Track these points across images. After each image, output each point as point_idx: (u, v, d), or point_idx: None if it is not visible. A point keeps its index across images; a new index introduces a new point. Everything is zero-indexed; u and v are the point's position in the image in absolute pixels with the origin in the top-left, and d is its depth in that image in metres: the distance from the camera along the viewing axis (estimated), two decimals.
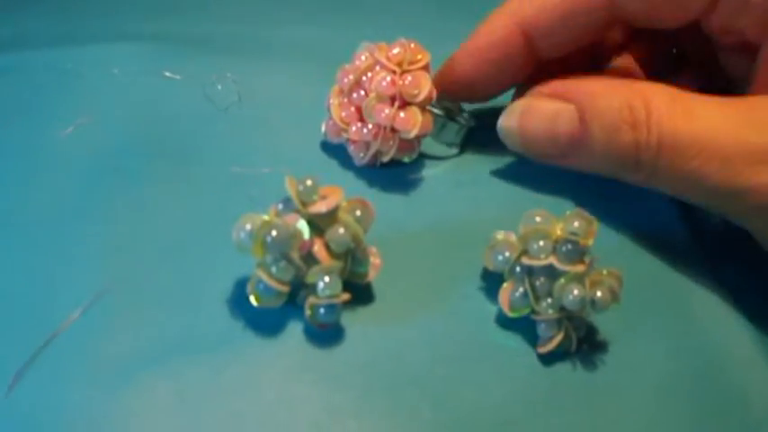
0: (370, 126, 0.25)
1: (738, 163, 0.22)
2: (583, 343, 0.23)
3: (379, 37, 0.29)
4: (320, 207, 0.21)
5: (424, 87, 0.25)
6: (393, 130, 0.25)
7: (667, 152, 0.23)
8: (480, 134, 0.28)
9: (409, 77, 0.25)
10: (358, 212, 0.22)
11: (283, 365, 0.21)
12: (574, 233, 0.22)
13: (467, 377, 0.22)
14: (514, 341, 0.23)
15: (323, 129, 0.27)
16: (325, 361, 0.22)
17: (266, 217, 0.21)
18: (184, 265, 0.23)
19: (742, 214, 0.23)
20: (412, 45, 0.25)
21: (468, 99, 0.28)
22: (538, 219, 0.22)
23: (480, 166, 0.27)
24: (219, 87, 0.28)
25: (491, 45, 0.26)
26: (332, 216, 0.21)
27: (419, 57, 0.25)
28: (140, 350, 0.21)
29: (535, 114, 0.25)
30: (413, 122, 0.24)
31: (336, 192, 0.22)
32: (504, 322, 0.23)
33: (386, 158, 0.25)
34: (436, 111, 0.27)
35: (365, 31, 0.31)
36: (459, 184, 0.26)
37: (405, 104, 0.25)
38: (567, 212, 0.22)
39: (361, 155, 0.26)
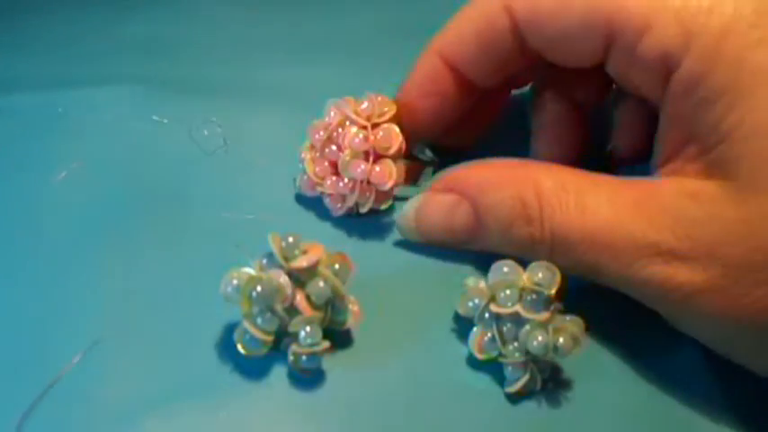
0: (345, 180, 0.26)
1: (628, 257, 0.22)
2: (548, 382, 0.24)
3: (361, 76, 0.31)
4: (302, 263, 0.23)
5: (396, 140, 0.26)
6: (369, 182, 0.26)
7: (560, 247, 0.24)
8: None
9: (381, 132, 0.26)
10: (337, 266, 0.23)
11: (269, 408, 0.23)
12: (538, 284, 0.23)
13: (441, 416, 0.23)
14: (484, 382, 0.24)
15: (297, 183, 0.28)
16: (308, 403, 0.23)
17: (252, 271, 0.23)
18: (176, 311, 0.25)
19: (642, 300, 0.24)
20: (379, 98, 0.27)
21: (435, 138, 0.30)
22: (505, 269, 0.24)
23: None
24: (206, 133, 0.29)
25: (424, 80, 0.27)
26: (313, 270, 0.23)
27: (386, 109, 0.27)
28: (137, 395, 0.23)
29: (431, 210, 0.26)
30: (388, 175, 0.26)
31: (317, 247, 0.23)
32: (474, 364, 0.24)
33: (364, 209, 0.27)
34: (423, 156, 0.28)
35: (349, 69, 0.33)
36: None
37: (378, 157, 0.26)
38: (532, 263, 0.24)
39: (338, 206, 0.27)
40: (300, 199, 0.28)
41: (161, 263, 0.26)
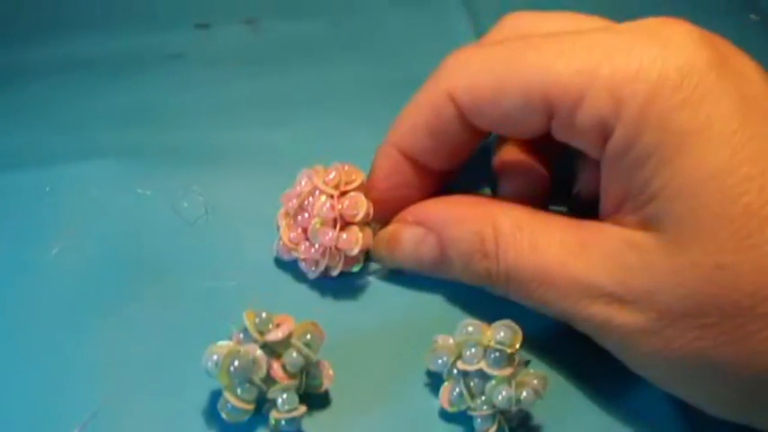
0: (317, 246, 0.28)
1: (572, 295, 0.24)
2: (517, 429, 0.26)
3: (337, 134, 0.32)
4: (275, 335, 0.24)
5: (362, 207, 0.27)
6: (338, 248, 0.28)
7: (513, 282, 0.25)
8: None
9: (347, 201, 0.27)
10: (308, 336, 0.25)
11: None
12: (501, 342, 0.25)
13: None
14: None
15: (274, 248, 0.29)
16: None
17: (230, 345, 0.24)
18: (166, 380, 0.26)
19: (589, 335, 0.25)
20: (346, 167, 0.28)
21: None
22: (470, 328, 0.25)
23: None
24: (186, 204, 0.31)
25: (383, 175, 0.29)
26: (286, 341, 0.25)
27: (354, 177, 0.28)
28: None
29: (400, 242, 0.28)
30: (354, 241, 0.27)
31: (288, 320, 0.25)
32: (446, 416, 0.26)
33: (335, 273, 0.28)
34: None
35: (326, 128, 0.34)
36: (403, 287, 0.29)
37: (346, 224, 0.28)
38: (495, 323, 0.25)
39: (313, 269, 0.29)
40: (279, 262, 0.30)
41: (150, 333, 0.27)
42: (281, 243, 0.29)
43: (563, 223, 0.26)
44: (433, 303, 0.29)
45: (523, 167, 0.30)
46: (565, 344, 0.28)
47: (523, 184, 0.30)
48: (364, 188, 0.28)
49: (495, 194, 0.31)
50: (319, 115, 0.36)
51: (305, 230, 0.28)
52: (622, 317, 0.23)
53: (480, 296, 0.28)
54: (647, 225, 0.23)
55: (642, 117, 0.22)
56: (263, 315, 0.24)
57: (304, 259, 0.29)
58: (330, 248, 0.28)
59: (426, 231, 0.28)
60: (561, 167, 0.31)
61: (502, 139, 0.31)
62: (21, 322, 0.28)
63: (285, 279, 0.29)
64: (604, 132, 0.23)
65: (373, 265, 0.30)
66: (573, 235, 0.25)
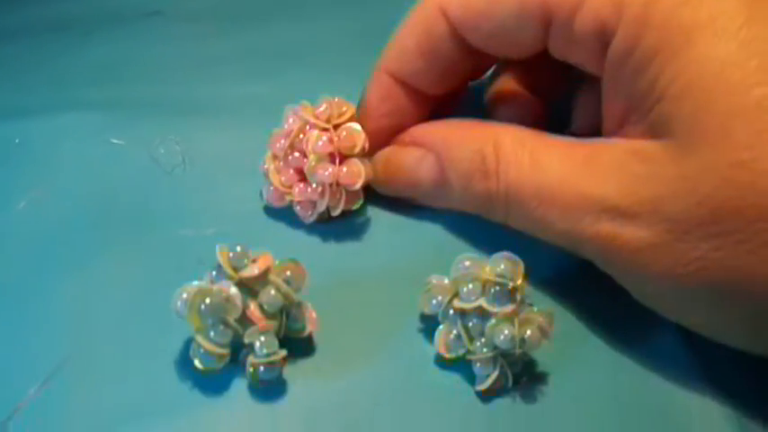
0: (314, 185, 0.26)
1: (576, 212, 0.22)
2: (521, 377, 0.23)
3: (319, 86, 0.30)
4: (251, 271, 0.22)
5: (359, 139, 0.26)
6: (338, 185, 0.25)
7: (514, 201, 0.24)
8: None
9: (344, 132, 0.26)
10: (288, 273, 0.23)
11: (231, 424, 0.22)
12: (501, 275, 0.22)
13: (409, 420, 0.23)
14: (453, 381, 0.23)
15: (264, 196, 0.27)
16: (271, 415, 0.22)
17: (201, 284, 0.22)
18: (136, 332, 0.24)
19: (591, 258, 0.24)
20: (336, 99, 0.26)
21: None
22: (467, 263, 0.23)
23: (414, 208, 0.28)
24: (162, 151, 0.29)
25: (378, 99, 0.27)
26: (263, 279, 0.22)
27: (344, 109, 0.26)
28: (99, 421, 0.22)
29: (398, 163, 0.27)
30: (357, 175, 0.25)
31: (266, 256, 0.22)
32: (442, 363, 0.24)
33: (336, 212, 0.26)
34: None
35: (304, 82, 0.32)
36: (394, 229, 0.27)
37: (343, 159, 0.26)
38: (493, 256, 0.23)
39: (309, 213, 0.27)
40: (258, 210, 0.28)
41: (122, 284, 0.25)
42: (272, 188, 0.27)
43: (566, 141, 0.24)
44: (427, 245, 0.27)
45: (517, 100, 0.29)
46: (568, 282, 0.26)
47: (517, 118, 0.28)
48: (356, 120, 0.26)
49: None
50: (300, 68, 0.34)
51: (298, 171, 0.26)
52: (630, 232, 0.21)
53: (477, 236, 0.26)
54: (653, 133, 0.22)
55: (644, 16, 0.21)
56: (238, 249, 0.22)
57: (299, 202, 0.27)
58: (330, 186, 0.25)
59: (425, 152, 0.26)
60: (557, 107, 0.29)
61: (495, 76, 0.30)
62: None
63: (266, 226, 0.27)
64: (605, 37, 0.22)
65: None
66: (576, 151, 0.23)
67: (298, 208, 0.27)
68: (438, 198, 0.26)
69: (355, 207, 0.27)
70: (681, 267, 0.21)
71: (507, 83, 0.29)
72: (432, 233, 0.27)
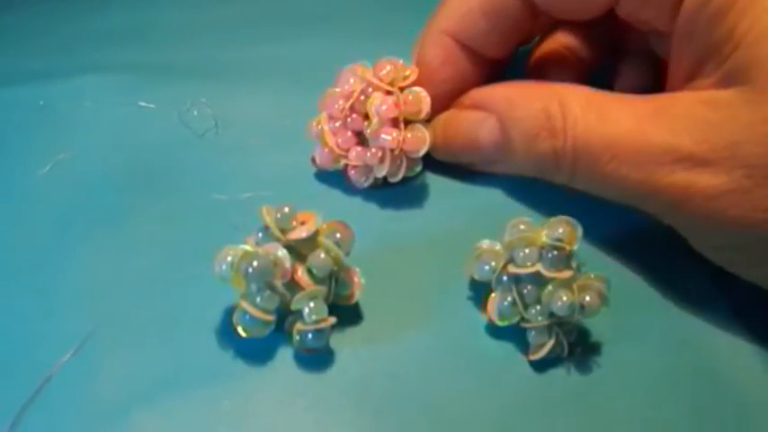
0: (373, 150, 0.25)
1: (649, 164, 0.22)
2: (575, 346, 0.23)
3: (352, 51, 0.29)
4: (299, 233, 0.21)
5: (425, 104, 0.25)
6: (403, 150, 0.24)
7: (582, 157, 0.23)
8: None
9: (410, 96, 0.24)
10: (338, 235, 0.21)
11: (275, 394, 0.21)
12: (558, 239, 0.21)
13: (460, 390, 0.22)
14: (506, 350, 0.23)
15: (315, 158, 0.26)
16: (317, 385, 0.22)
17: (246, 247, 0.21)
18: (171, 298, 0.23)
19: (662, 214, 0.23)
20: (400, 61, 0.25)
21: None
22: (522, 227, 0.22)
23: (460, 174, 0.27)
24: (195, 113, 0.28)
25: (437, 65, 0.26)
26: (312, 241, 0.21)
27: (408, 72, 0.25)
28: (134, 390, 0.21)
29: (457, 126, 0.26)
30: (422, 141, 0.24)
31: (313, 217, 0.21)
32: (493, 332, 0.23)
33: (395, 179, 0.25)
34: None
35: (338, 45, 0.31)
36: (440, 194, 0.26)
37: (407, 123, 0.25)
38: (551, 219, 0.22)
39: (363, 179, 0.26)
40: (298, 175, 0.26)
41: (154, 250, 0.24)
42: (326, 150, 0.26)
43: (632, 96, 0.23)
44: (476, 211, 0.26)
45: (562, 64, 0.28)
46: (617, 249, 0.25)
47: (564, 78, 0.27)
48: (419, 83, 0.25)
49: None
50: (327, 31, 0.33)
51: (356, 134, 0.25)
52: (706, 180, 0.21)
53: (529, 202, 0.25)
54: (727, 82, 0.21)
55: None
56: (286, 210, 0.21)
57: (354, 166, 0.26)
58: (392, 151, 0.24)
59: (486, 114, 0.25)
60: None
61: (539, 40, 0.29)
62: (12, 241, 0.25)
63: (303, 190, 0.26)
64: None
65: None
66: (644, 104, 0.23)
67: (352, 172, 0.26)
68: (499, 161, 0.26)
69: (413, 173, 0.26)
70: (760, 212, 0.20)
71: (552, 47, 0.28)
72: (480, 198, 0.26)
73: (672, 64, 0.23)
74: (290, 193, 0.26)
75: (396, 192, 0.26)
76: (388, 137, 0.24)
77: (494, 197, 0.26)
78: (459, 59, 0.26)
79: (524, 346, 0.22)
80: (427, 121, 0.25)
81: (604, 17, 0.25)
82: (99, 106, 0.28)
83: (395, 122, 0.24)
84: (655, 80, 0.27)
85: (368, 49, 0.28)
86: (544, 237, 0.22)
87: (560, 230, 0.21)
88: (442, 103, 0.26)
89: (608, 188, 0.23)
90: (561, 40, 0.28)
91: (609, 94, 0.24)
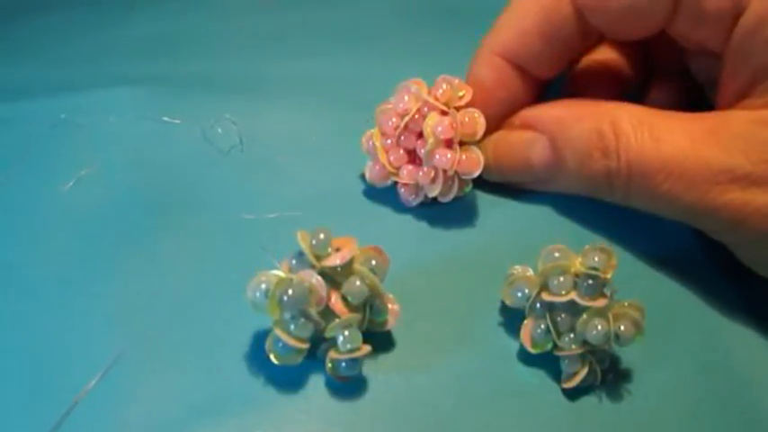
0: (425, 169, 0.25)
1: (705, 184, 0.22)
2: (607, 374, 0.23)
3: (377, 66, 0.29)
4: (335, 260, 0.21)
5: (480, 126, 0.25)
6: (457, 171, 0.24)
7: (637, 177, 0.23)
8: None
9: (466, 118, 0.24)
10: (373, 262, 0.21)
11: (308, 422, 0.21)
12: (594, 268, 0.21)
13: (493, 417, 0.22)
14: (538, 377, 0.22)
15: (366, 174, 0.26)
16: (350, 413, 0.21)
17: (280, 273, 0.21)
18: (199, 321, 0.23)
19: (716, 232, 0.24)
20: (456, 81, 0.25)
21: None
22: (557, 254, 0.22)
23: (491, 197, 0.27)
24: (219, 130, 0.27)
25: (491, 86, 0.26)
26: (347, 268, 0.21)
27: (463, 92, 0.25)
28: (162, 416, 0.21)
29: (509, 147, 0.26)
30: (476, 163, 0.24)
31: (349, 243, 0.21)
32: (526, 358, 0.23)
33: (446, 199, 0.25)
34: None
35: (364, 60, 0.31)
36: (469, 217, 0.26)
37: (461, 144, 0.25)
38: (586, 246, 0.22)
39: (412, 197, 0.26)
40: (325, 194, 0.26)
41: (182, 270, 0.24)
42: (377, 167, 0.26)
43: (683, 115, 0.23)
44: (508, 233, 0.26)
45: (602, 83, 0.28)
46: (650, 273, 0.25)
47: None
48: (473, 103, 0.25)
49: None
50: (358, 45, 0.33)
51: (409, 152, 0.25)
52: (761, 199, 0.21)
53: (561, 225, 0.25)
54: None
55: None
56: (321, 236, 0.21)
57: (404, 185, 0.25)
58: (444, 172, 0.24)
59: (537, 134, 0.25)
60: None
61: (576, 74, 0.29)
62: (37, 258, 0.24)
63: (331, 210, 0.26)
64: (736, 13, 0.22)
65: None
66: (697, 123, 0.23)
67: (402, 190, 0.26)
68: (550, 181, 0.26)
69: (464, 194, 0.26)
70: None
71: (593, 64, 0.28)
72: (512, 220, 0.26)
73: (723, 83, 0.24)
74: (317, 213, 0.26)
75: (424, 213, 0.26)
76: (444, 158, 0.24)
77: (527, 219, 0.26)
78: (512, 80, 0.26)
79: (557, 374, 0.22)
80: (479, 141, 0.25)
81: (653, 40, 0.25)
82: (123, 120, 0.27)
83: (449, 143, 0.24)
84: (685, 99, 0.28)
85: (403, 63, 0.28)
86: (579, 265, 0.22)
87: (596, 258, 0.21)
88: (493, 123, 0.26)
89: (662, 207, 0.23)
90: (602, 58, 0.29)
91: (659, 112, 0.24)
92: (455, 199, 0.25)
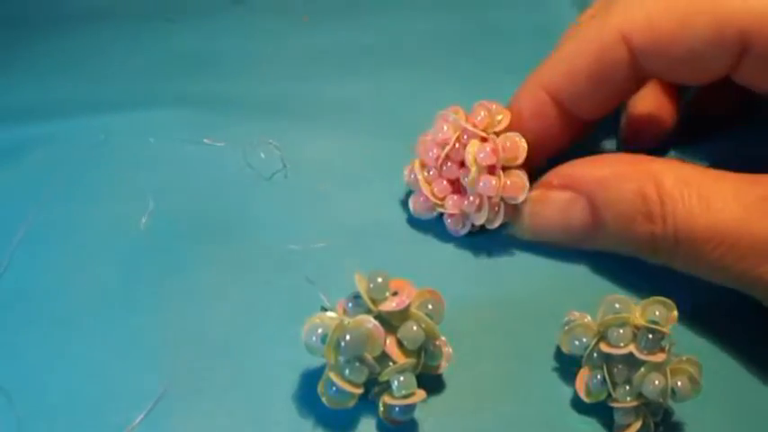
0: (470, 198, 0.25)
1: (758, 256, 0.21)
2: (659, 426, 0.22)
3: (419, 88, 0.28)
4: (392, 305, 0.20)
5: (522, 150, 0.24)
6: (503, 197, 0.24)
7: (685, 244, 0.22)
8: None
9: (507, 143, 0.24)
10: (429, 306, 0.21)
11: None
12: (655, 322, 0.21)
13: None
14: (590, 426, 0.22)
15: (411, 206, 0.26)
16: None
17: (335, 316, 0.21)
18: (246, 358, 0.22)
19: (764, 300, 0.23)
20: (493, 106, 0.25)
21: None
22: (617, 305, 0.22)
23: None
24: (262, 155, 0.27)
25: (529, 116, 0.26)
26: (404, 312, 0.21)
27: (499, 117, 0.25)
28: None
29: (546, 207, 0.25)
30: (521, 188, 0.24)
31: (407, 286, 0.21)
32: (579, 406, 0.22)
33: (493, 225, 0.25)
34: None
35: (407, 84, 0.31)
36: (521, 256, 0.26)
37: (504, 170, 0.24)
38: (646, 300, 0.21)
39: (460, 227, 0.25)
40: (373, 224, 0.26)
41: (225, 301, 0.24)
42: (421, 199, 0.26)
43: (734, 177, 0.23)
44: (563, 277, 0.25)
45: (654, 105, 0.28)
46: (705, 326, 0.24)
47: (653, 142, 0.27)
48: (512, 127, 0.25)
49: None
50: (400, 68, 0.32)
51: (452, 182, 0.25)
52: None
53: (623, 273, 0.25)
54: None
55: None
56: (379, 280, 0.20)
57: (451, 215, 0.25)
58: (489, 198, 0.24)
59: (575, 195, 0.25)
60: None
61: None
62: (76, 287, 0.24)
63: (379, 242, 0.26)
64: None
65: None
66: (749, 189, 0.22)
67: (449, 221, 0.26)
68: (588, 242, 0.25)
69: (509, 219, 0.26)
70: None
71: (647, 108, 0.28)
72: (565, 263, 0.26)
73: None
74: (362, 245, 0.26)
75: (473, 245, 0.26)
76: (489, 184, 0.24)
77: (578, 260, 0.26)
78: (551, 116, 0.25)
79: (609, 423, 0.22)
80: (522, 166, 0.25)
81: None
82: (163, 142, 0.27)
83: (493, 169, 0.24)
84: None
85: (439, 88, 0.27)
86: (639, 317, 0.21)
87: (657, 313, 0.21)
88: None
89: (709, 274, 0.23)
90: (656, 100, 0.28)
91: (707, 172, 0.23)
92: (502, 226, 0.25)
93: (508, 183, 0.24)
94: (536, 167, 0.26)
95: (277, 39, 0.32)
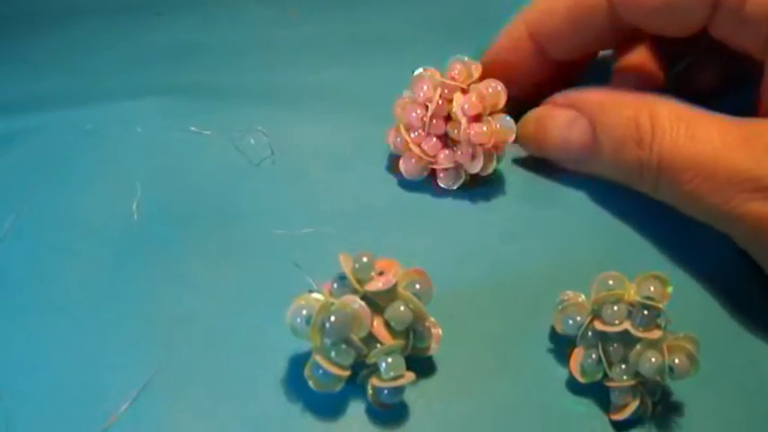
0: (463, 149, 0.25)
1: (731, 189, 0.22)
2: (657, 405, 0.22)
3: (405, 74, 0.28)
4: (378, 285, 0.20)
5: (503, 94, 0.25)
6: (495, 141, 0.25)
7: (666, 171, 0.23)
8: (532, 182, 0.27)
9: (489, 89, 0.25)
10: (417, 285, 0.20)
11: None
12: (649, 297, 0.20)
13: None
14: (586, 407, 0.21)
15: (402, 169, 0.26)
16: None
17: (320, 297, 0.20)
18: (233, 343, 0.22)
19: (738, 238, 0.23)
20: (466, 59, 0.26)
21: None
22: (611, 282, 0.21)
23: (532, 214, 0.26)
24: (252, 141, 0.26)
25: (505, 49, 0.27)
26: (390, 292, 0.20)
27: (473, 68, 0.26)
28: None
29: (550, 122, 0.27)
30: (510, 129, 0.25)
31: (393, 266, 0.20)
32: (574, 387, 0.22)
33: (487, 172, 0.25)
34: None
35: (394, 68, 0.30)
36: (512, 236, 0.25)
37: (491, 115, 0.25)
38: (640, 275, 0.21)
39: (452, 182, 0.26)
40: (361, 208, 0.25)
41: (213, 288, 0.23)
42: (412, 161, 0.26)
43: (723, 118, 0.23)
44: (552, 253, 0.25)
45: (644, 76, 0.28)
46: (704, 302, 0.24)
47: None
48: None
49: None
50: (386, 55, 0.32)
51: (440, 138, 0.26)
52: None
53: (615, 248, 0.25)
54: None
55: None
56: (364, 260, 0.20)
57: (444, 170, 0.26)
58: (482, 146, 0.25)
59: (578, 114, 0.26)
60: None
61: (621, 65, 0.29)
62: (64, 274, 0.23)
63: (367, 225, 0.25)
64: None
65: None
66: (734, 128, 0.23)
67: (442, 176, 0.26)
68: (586, 164, 0.26)
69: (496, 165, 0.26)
70: None
71: (635, 58, 0.29)
72: (556, 239, 0.25)
73: (764, 90, 0.23)
74: (351, 229, 0.25)
75: (464, 227, 0.25)
76: (480, 132, 0.25)
77: (569, 236, 0.25)
78: (526, 51, 0.27)
79: (605, 403, 0.21)
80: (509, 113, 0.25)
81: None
82: (150, 131, 0.27)
83: (479, 118, 0.25)
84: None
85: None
86: (634, 293, 0.21)
87: (651, 288, 0.20)
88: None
89: (687, 206, 0.23)
90: (644, 50, 0.29)
91: (699, 111, 0.23)
92: (486, 215, 0.26)
93: (498, 127, 0.25)
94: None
95: (263, 29, 0.32)
